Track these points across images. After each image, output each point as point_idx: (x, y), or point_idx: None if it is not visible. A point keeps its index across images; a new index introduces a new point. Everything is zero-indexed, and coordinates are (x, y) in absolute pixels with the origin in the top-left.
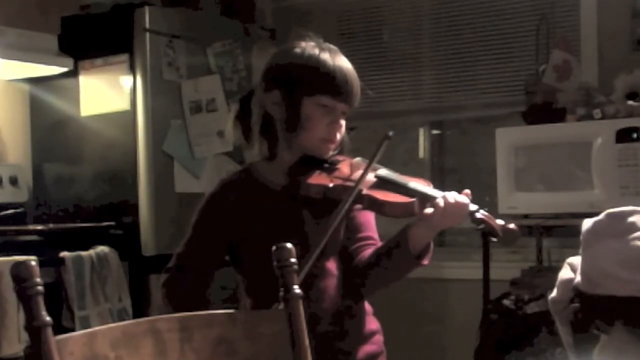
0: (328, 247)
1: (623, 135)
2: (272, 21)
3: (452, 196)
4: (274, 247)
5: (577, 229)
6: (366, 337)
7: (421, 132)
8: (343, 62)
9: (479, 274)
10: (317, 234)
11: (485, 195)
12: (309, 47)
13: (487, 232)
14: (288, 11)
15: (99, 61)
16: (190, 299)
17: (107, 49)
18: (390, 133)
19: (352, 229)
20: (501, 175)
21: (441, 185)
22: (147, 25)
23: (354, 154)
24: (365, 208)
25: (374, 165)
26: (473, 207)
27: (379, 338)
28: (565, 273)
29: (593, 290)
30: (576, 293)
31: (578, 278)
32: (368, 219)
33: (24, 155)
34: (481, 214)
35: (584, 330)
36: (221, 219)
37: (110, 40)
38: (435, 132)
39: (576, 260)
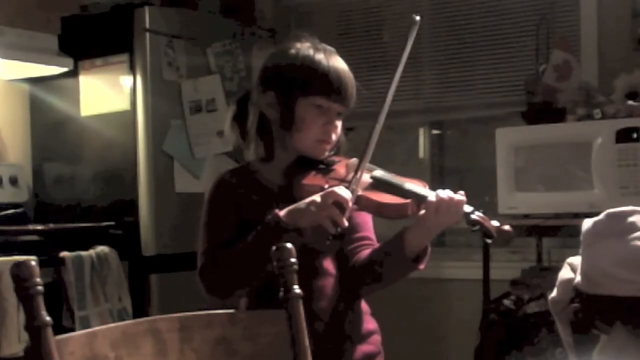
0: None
1: (623, 135)
2: (272, 21)
3: (445, 193)
4: (273, 247)
5: (577, 229)
6: (363, 337)
7: (421, 132)
8: (338, 63)
9: (479, 274)
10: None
11: (485, 195)
12: (304, 47)
13: (482, 233)
14: (288, 11)
15: (99, 61)
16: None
17: (107, 49)
18: (417, 17)
19: (349, 229)
20: (501, 175)
21: (441, 186)
22: (147, 25)
23: (352, 154)
24: (360, 209)
25: (370, 166)
26: (468, 208)
27: (376, 338)
28: (565, 273)
29: (593, 290)
30: (576, 293)
31: (578, 278)
32: (365, 219)
33: (24, 155)
34: (476, 215)
35: (584, 330)
36: (231, 203)
37: (110, 40)
38: (435, 132)
39: (576, 260)
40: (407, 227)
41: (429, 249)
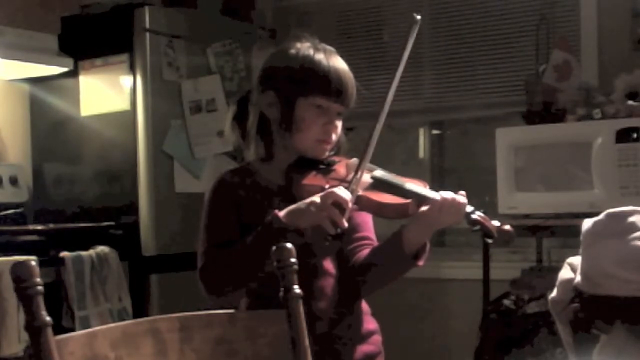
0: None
1: (623, 135)
2: (272, 21)
3: (449, 195)
4: (273, 247)
5: (577, 229)
6: (364, 337)
7: (421, 132)
8: (338, 63)
9: (479, 274)
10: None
11: (485, 195)
12: (304, 47)
13: (482, 233)
14: (288, 11)
15: (99, 61)
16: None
17: (107, 49)
18: (418, 17)
19: (349, 229)
20: (501, 175)
21: (441, 186)
22: (147, 25)
23: (352, 154)
24: (361, 209)
25: (370, 166)
26: (469, 208)
27: (377, 338)
28: (565, 273)
29: (593, 290)
30: (576, 293)
31: (578, 278)
32: (365, 219)
33: (24, 155)
34: (477, 215)
35: (584, 330)
36: (231, 204)
37: (110, 40)
38: (435, 132)
39: (576, 260)
40: (405, 225)
41: (428, 245)
